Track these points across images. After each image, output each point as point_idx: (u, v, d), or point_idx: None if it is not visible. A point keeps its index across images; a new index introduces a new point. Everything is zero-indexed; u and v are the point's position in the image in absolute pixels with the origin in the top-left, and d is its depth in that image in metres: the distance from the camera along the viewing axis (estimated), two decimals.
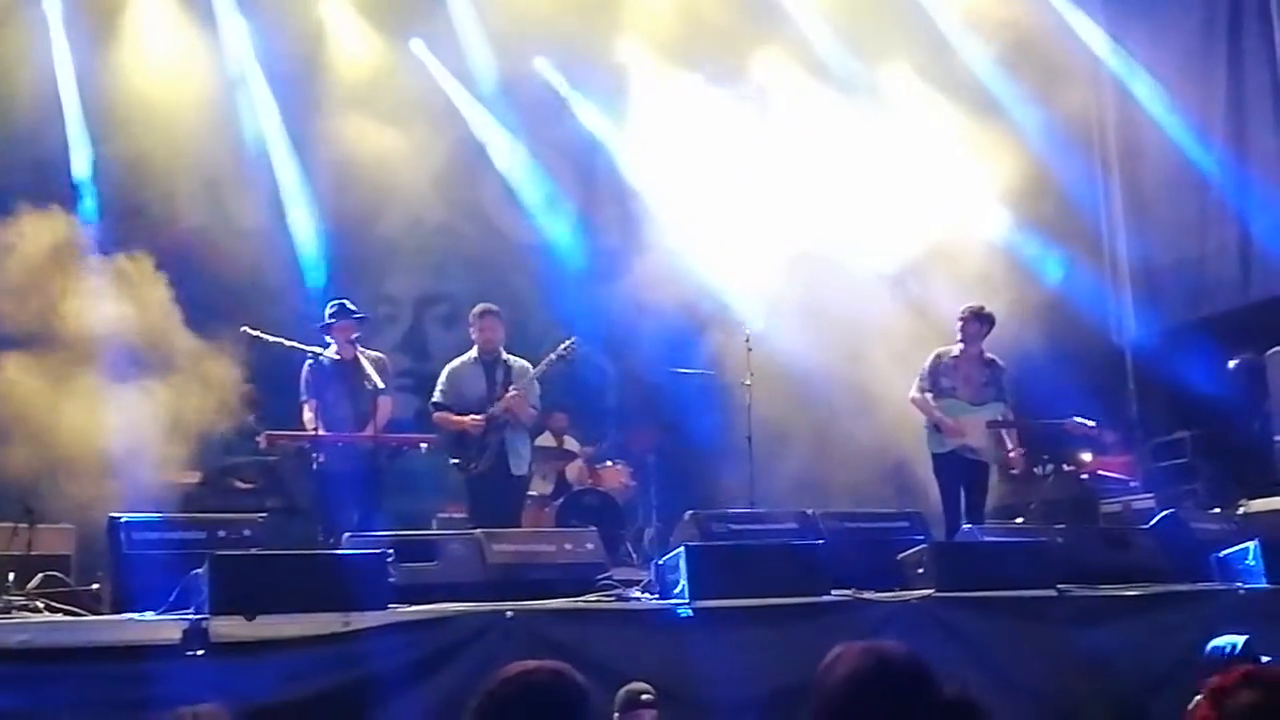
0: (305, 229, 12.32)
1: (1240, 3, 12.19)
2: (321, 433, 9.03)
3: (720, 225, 12.62)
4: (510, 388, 9.41)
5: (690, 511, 8.32)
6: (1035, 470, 11.45)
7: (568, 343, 9.65)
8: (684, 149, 12.91)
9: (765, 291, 12.18)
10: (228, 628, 5.74)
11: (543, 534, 8.95)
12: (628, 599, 7.08)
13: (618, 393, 13.22)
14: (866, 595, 6.98)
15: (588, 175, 13.63)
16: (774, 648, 6.48)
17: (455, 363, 9.72)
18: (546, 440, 12.07)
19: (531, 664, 3.05)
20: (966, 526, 8.46)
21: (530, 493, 10.59)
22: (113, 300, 10.35)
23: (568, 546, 7.61)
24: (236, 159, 12.12)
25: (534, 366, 9.60)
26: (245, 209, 12.02)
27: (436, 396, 9.64)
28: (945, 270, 11.92)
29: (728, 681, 6.23)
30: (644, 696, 5.73)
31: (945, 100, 12.81)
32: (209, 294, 10.73)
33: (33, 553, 7.86)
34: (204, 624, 5.73)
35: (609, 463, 12.28)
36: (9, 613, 6.33)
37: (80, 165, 11.52)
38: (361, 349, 9.33)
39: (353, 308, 9.43)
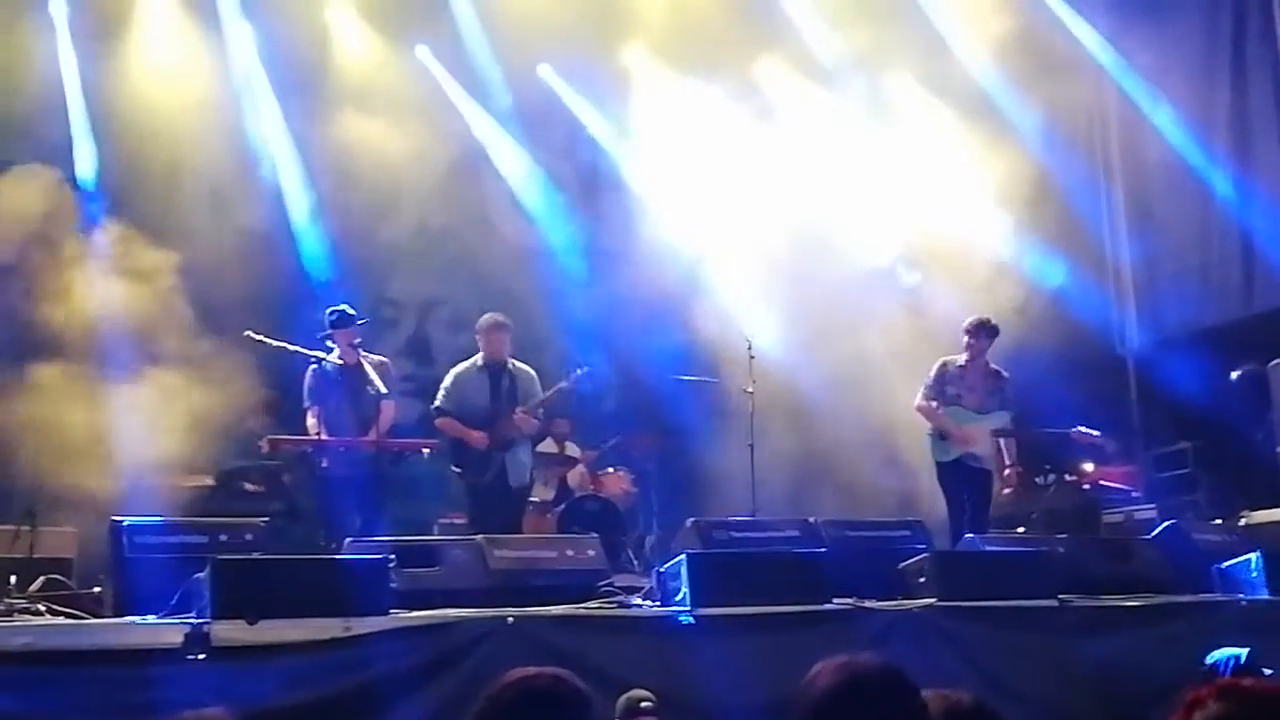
0: (309, 233, 12.33)
1: (1244, 12, 12.20)
2: (324, 437, 9.05)
3: (723, 231, 12.64)
4: (517, 408, 9.42)
5: (692, 519, 8.32)
6: (1037, 480, 11.46)
7: (577, 372, 9.68)
8: (687, 155, 12.93)
9: (767, 298, 12.19)
10: (229, 632, 5.74)
11: (544, 540, 8.96)
12: (629, 606, 7.08)
13: (619, 399, 13.22)
14: (868, 604, 6.97)
15: (591, 181, 13.65)
16: (775, 656, 6.47)
17: (460, 368, 9.72)
18: (548, 446, 12.06)
19: (532, 670, 3.05)
20: (969, 536, 8.45)
21: (531, 499, 10.59)
22: (123, 300, 10.40)
23: (569, 553, 7.62)
24: (241, 163, 12.12)
25: (538, 377, 9.63)
26: (249, 213, 12.02)
27: (439, 401, 9.64)
28: (948, 279, 11.93)
29: (729, 689, 6.23)
30: (644, 704, 5.73)
31: (947, 108, 12.82)
32: (214, 298, 10.74)
33: (35, 556, 7.86)
34: (205, 628, 5.73)
35: (611, 469, 12.28)
36: (11, 616, 6.33)
37: (85, 168, 11.53)
38: (364, 353, 9.34)
39: (353, 313, 9.43)
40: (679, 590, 6.83)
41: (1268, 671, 5.44)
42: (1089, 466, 11.51)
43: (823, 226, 12.59)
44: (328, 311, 9.49)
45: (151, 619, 6.13)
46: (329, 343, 9.36)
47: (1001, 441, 9.87)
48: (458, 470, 9.58)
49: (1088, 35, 13.14)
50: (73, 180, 11.26)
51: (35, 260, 10.47)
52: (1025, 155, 12.39)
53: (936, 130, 12.80)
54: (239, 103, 12.29)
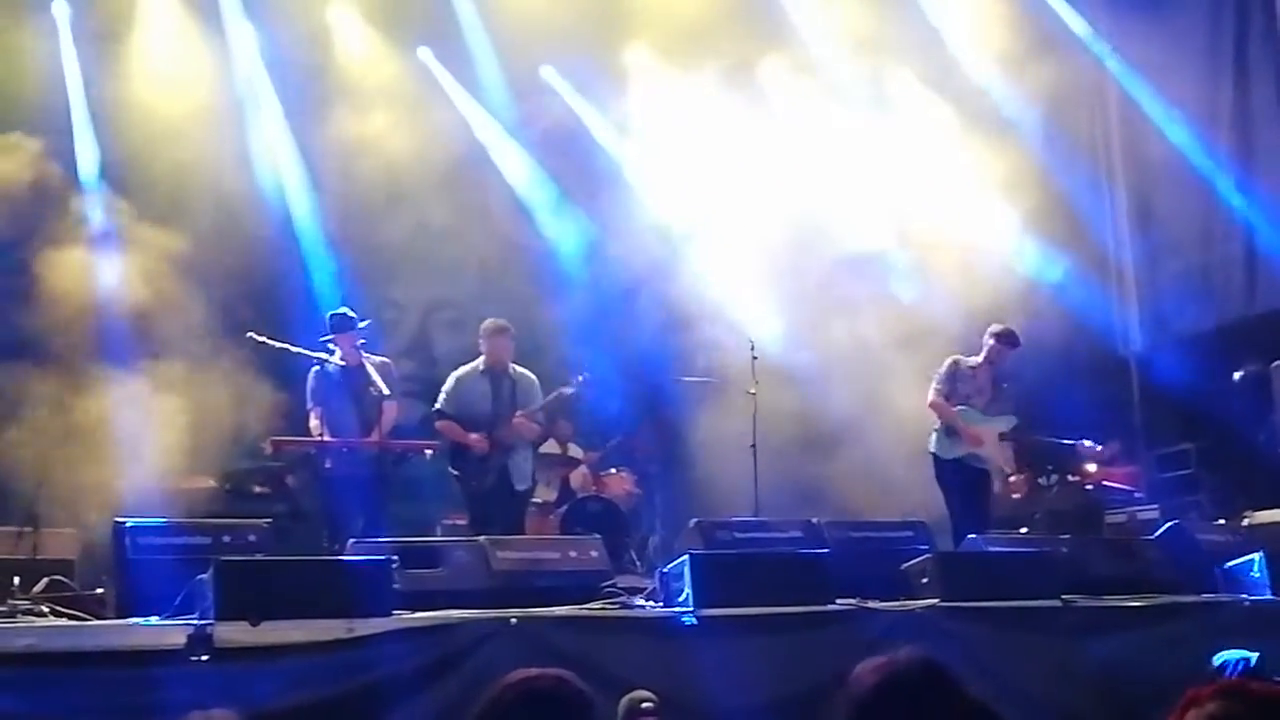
0: (311, 234, 12.34)
1: (1246, 11, 12.19)
2: (327, 439, 9.06)
3: (726, 231, 12.64)
4: (517, 411, 9.42)
5: (694, 519, 8.32)
6: (1040, 481, 11.47)
7: (579, 379, 9.69)
8: (689, 155, 12.92)
9: (770, 297, 12.20)
10: (232, 633, 5.75)
11: (547, 541, 8.96)
12: (632, 607, 7.08)
13: (622, 400, 13.21)
14: (871, 605, 6.97)
15: (593, 182, 13.64)
16: (778, 656, 6.49)
17: (461, 371, 9.72)
18: (551, 447, 12.06)
19: (534, 671, 3.06)
20: (971, 536, 8.45)
21: (534, 500, 10.59)
22: (124, 301, 10.42)
23: (572, 554, 7.63)
24: (243, 164, 12.13)
25: (538, 381, 9.64)
26: (251, 214, 12.03)
27: (440, 404, 9.64)
28: (952, 281, 11.92)
29: (731, 690, 6.23)
30: (645, 704, 5.73)
31: (949, 106, 12.81)
32: (217, 299, 10.75)
33: (38, 557, 7.87)
34: (209, 629, 5.74)
35: (613, 470, 12.28)
36: (14, 617, 6.33)
37: (88, 169, 11.55)
38: (366, 355, 9.35)
39: (354, 315, 9.44)
40: (682, 591, 6.83)
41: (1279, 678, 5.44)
42: (1092, 467, 11.51)
43: (826, 225, 12.59)
44: (329, 314, 9.51)
45: (155, 620, 6.13)
46: (331, 344, 9.37)
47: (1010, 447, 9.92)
48: (456, 474, 9.59)
49: (1089, 33, 13.14)
50: (74, 176, 11.28)
51: (32, 247, 10.51)
52: (1027, 154, 12.39)
53: (938, 128, 12.80)
54: (241, 104, 12.30)
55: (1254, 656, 5.80)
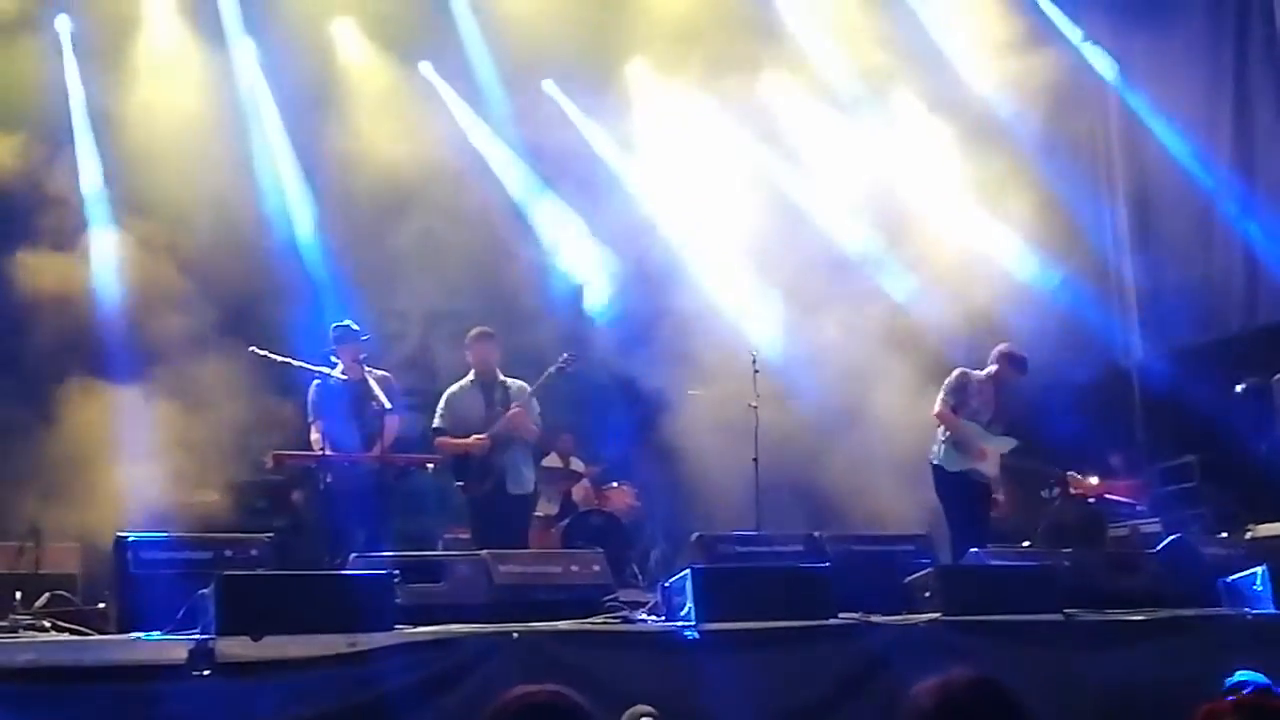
0: (313, 247, 12.36)
1: (1246, 27, 12.21)
2: (328, 452, 9.06)
3: (728, 245, 12.65)
4: (513, 405, 9.44)
5: (697, 533, 8.32)
6: (1042, 494, 11.48)
7: (565, 356, 9.71)
8: (691, 169, 12.95)
9: (771, 311, 12.21)
10: (234, 648, 5.73)
11: (549, 555, 8.95)
12: (634, 621, 7.07)
13: (624, 413, 13.21)
14: (873, 618, 6.96)
15: (595, 195, 13.65)
16: (780, 671, 6.47)
17: (454, 387, 9.75)
18: (553, 461, 12.08)
19: (533, 687, 3.05)
20: (973, 550, 8.44)
21: (536, 514, 10.59)
22: (127, 313, 10.44)
23: (574, 568, 7.61)
24: (245, 178, 12.16)
25: (537, 383, 9.65)
26: (254, 227, 12.05)
27: (436, 422, 9.64)
28: (953, 293, 11.93)
29: (734, 705, 6.21)
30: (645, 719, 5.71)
31: (950, 123, 12.83)
32: (219, 312, 10.77)
33: (40, 571, 7.88)
34: (210, 644, 5.72)
35: (615, 484, 12.28)
36: (16, 632, 6.33)
37: (90, 183, 11.57)
38: (369, 368, 9.36)
39: (357, 328, 9.46)
40: (684, 605, 6.82)
41: None
42: (1094, 480, 11.51)
43: (827, 237, 12.62)
44: (332, 327, 9.52)
45: (156, 635, 6.12)
46: (333, 357, 9.38)
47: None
48: (460, 485, 9.59)
49: (1091, 50, 13.17)
50: (76, 187, 11.32)
51: (32, 259, 10.54)
52: (1028, 169, 12.40)
53: (937, 139, 12.82)
54: (243, 117, 12.33)
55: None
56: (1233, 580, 7.87)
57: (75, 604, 7.31)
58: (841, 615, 6.92)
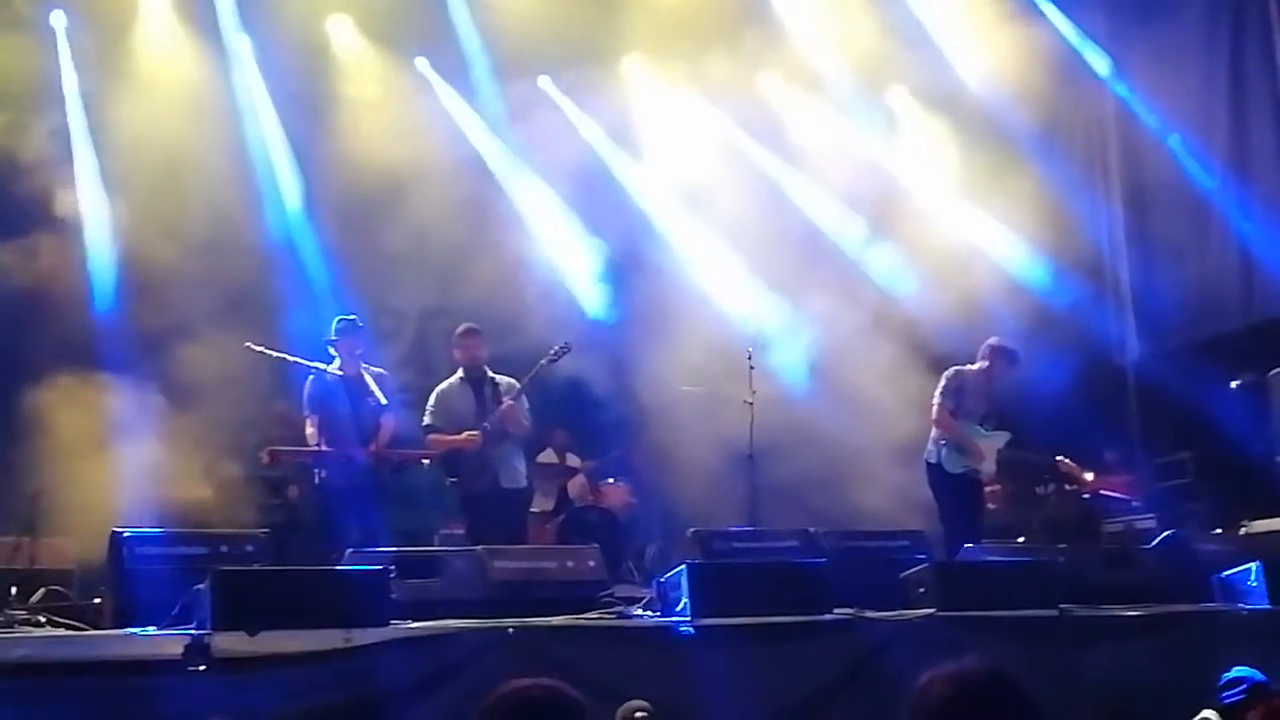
0: (309, 244, 12.35)
1: (1242, 24, 12.23)
2: (324, 448, 9.06)
3: (723, 241, 12.66)
4: (504, 400, 9.46)
5: (692, 529, 8.32)
6: (1037, 490, 11.49)
7: (558, 346, 9.72)
8: (687, 165, 12.95)
9: (768, 307, 12.22)
10: (230, 643, 5.74)
11: (545, 551, 8.97)
12: (629, 616, 7.09)
13: (620, 409, 13.21)
14: (868, 614, 6.97)
15: (591, 192, 13.65)
16: (775, 666, 6.49)
17: (443, 385, 9.75)
18: (549, 457, 12.08)
19: (527, 680, 3.05)
20: (969, 546, 8.46)
21: (532, 509, 10.59)
22: (123, 309, 10.44)
23: (569, 563, 7.62)
24: (241, 175, 12.15)
25: (531, 373, 9.66)
26: (250, 225, 12.04)
27: (427, 419, 9.63)
28: (949, 292, 11.94)
29: (728, 700, 6.22)
30: (640, 714, 5.72)
31: (946, 120, 12.84)
32: (214, 309, 10.76)
33: (35, 566, 7.87)
34: (206, 639, 5.73)
35: (611, 480, 12.28)
36: (12, 627, 6.33)
37: (86, 180, 11.56)
38: (365, 365, 9.37)
39: (362, 325, 9.49)
40: (679, 600, 6.83)
41: None
42: (1089, 476, 11.52)
43: (823, 236, 12.62)
44: (337, 319, 9.53)
45: (152, 630, 6.13)
46: (331, 350, 9.39)
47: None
48: (454, 480, 9.60)
49: (1088, 48, 13.18)
50: (71, 184, 11.31)
51: (28, 255, 10.54)
52: (1025, 166, 12.41)
53: (935, 138, 12.83)
54: (239, 114, 12.32)
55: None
56: (1227, 576, 7.89)
57: (71, 599, 7.31)
58: (837, 611, 6.94)
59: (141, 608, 6.47)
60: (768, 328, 12.09)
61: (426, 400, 9.75)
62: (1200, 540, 8.99)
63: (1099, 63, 13.21)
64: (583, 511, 11.58)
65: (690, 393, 11.70)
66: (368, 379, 9.19)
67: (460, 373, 9.66)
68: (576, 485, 12.22)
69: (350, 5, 12.89)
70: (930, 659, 2.85)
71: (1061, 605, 7.27)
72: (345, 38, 12.89)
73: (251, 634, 5.79)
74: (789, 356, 11.92)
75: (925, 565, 7.54)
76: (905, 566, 7.58)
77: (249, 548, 7.21)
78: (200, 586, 6.08)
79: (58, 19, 11.83)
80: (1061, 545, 8.83)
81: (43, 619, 6.61)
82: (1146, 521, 10.90)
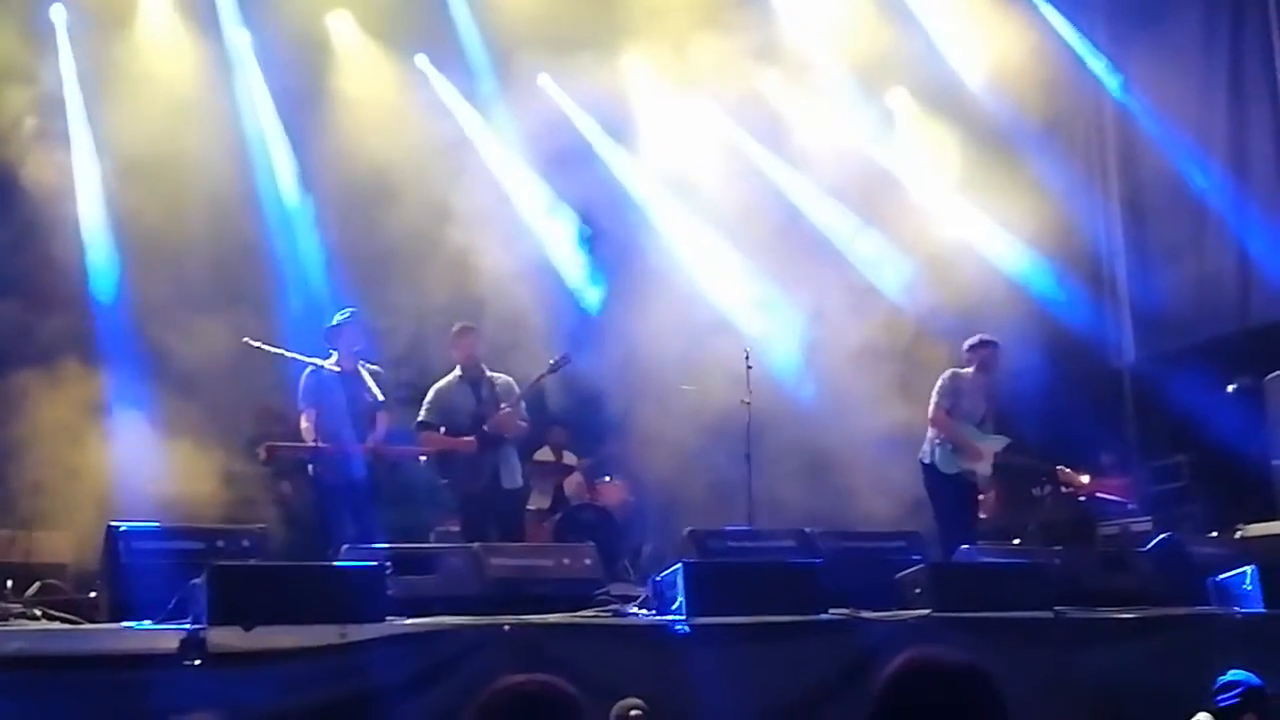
0: (307, 240, 12.34)
1: (1241, 26, 12.25)
2: (320, 444, 9.05)
3: (722, 241, 12.66)
4: (501, 404, 9.44)
5: (688, 528, 8.32)
6: (1033, 492, 11.51)
7: (557, 358, 9.72)
8: (687, 163, 12.95)
9: (766, 311, 12.22)
10: (225, 638, 5.73)
11: (541, 548, 8.97)
12: (625, 614, 7.08)
13: (617, 407, 13.22)
14: (864, 614, 6.97)
15: (591, 190, 13.65)
16: (770, 666, 6.49)
17: (440, 383, 9.75)
18: (545, 455, 12.08)
19: (521, 676, 3.06)
20: (964, 547, 8.47)
21: (528, 507, 10.59)
22: (121, 306, 10.42)
23: (565, 561, 7.61)
24: (239, 169, 12.14)
25: (530, 383, 9.65)
26: (247, 220, 12.03)
27: (423, 416, 9.63)
28: (946, 293, 11.95)
29: (723, 699, 6.22)
30: (635, 712, 5.72)
31: (945, 122, 12.85)
32: (212, 304, 10.75)
33: (31, 560, 7.87)
34: (202, 634, 5.72)
35: (608, 478, 12.28)
36: (6, 620, 6.32)
37: (85, 174, 11.56)
38: (362, 361, 9.37)
39: (360, 319, 9.49)
40: (675, 599, 6.83)
41: None
42: (1085, 479, 11.54)
43: (824, 235, 12.62)
44: (337, 314, 9.54)
45: (148, 625, 6.12)
46: (329, 344, 9.38)
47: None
48: (445, 482, 9.60)
49: (1087, 51, 13.19)
50: (70, 178, 11.29)
51: (25, 248, 10.53)
52: (1023, 169, 12.42)
53: (934, 144, 12.83)
54: (237, 108, 12.31)
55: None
56: (1222, 579, 7.90)
57: (66, 593, 7.30)
58: (832, 611, 6.94)
59: (137, 602, 6.45)
60: (765, 325, 12.09)
61: (422, 398, 9.75)
62: (1196, 543, 8.99)
63: (1098, 65, 13.22)
64: (579, 510, 11.58)
65: (687, 392, 11.70)
66: (364, 375, 9.19)
67: (458, 371, 9.66)
68: (573, 483, 12.22)
69: (350, 1, 12.88)
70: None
71: (1057, 607, 7.27)
72: (345, 33, 12.88)
73: (247, 629, 5.78)
74: (785, 355, 11.92)
75: (921, 566, 7.55)
76: (901, 567, 7.58)
77: (245, 543, 7.20)
78: (196, 581, 6.07)
79: (57, 13, 11.82)
80: (1057, 547, 8.84)
81: (38, 613, 6.60)
82: (1142, 524, 10.92)
